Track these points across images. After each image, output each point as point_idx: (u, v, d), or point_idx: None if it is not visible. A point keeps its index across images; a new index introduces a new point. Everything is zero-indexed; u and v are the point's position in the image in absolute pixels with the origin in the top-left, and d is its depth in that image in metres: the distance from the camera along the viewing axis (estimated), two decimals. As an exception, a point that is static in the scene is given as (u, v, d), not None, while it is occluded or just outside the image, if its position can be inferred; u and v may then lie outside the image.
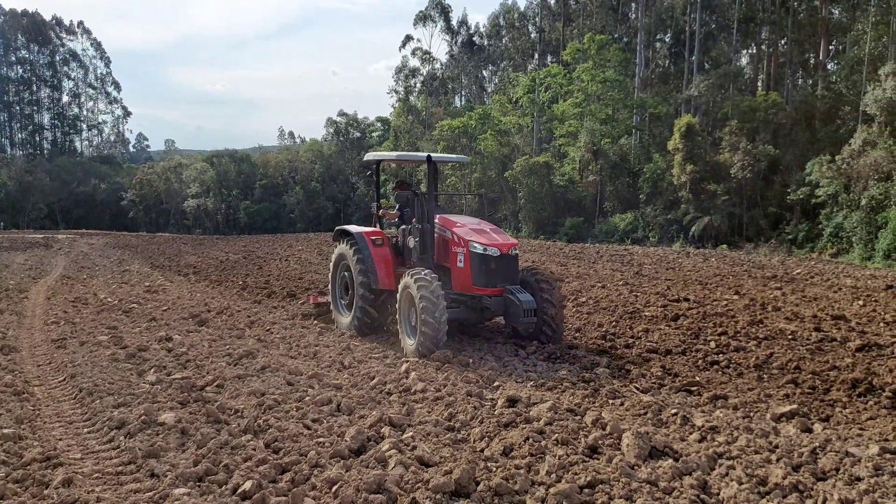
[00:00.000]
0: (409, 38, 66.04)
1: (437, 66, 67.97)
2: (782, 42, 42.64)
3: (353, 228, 11.22)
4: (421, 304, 8.76)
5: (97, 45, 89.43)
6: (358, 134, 70.73)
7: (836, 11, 41.76)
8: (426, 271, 9.21)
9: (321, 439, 5.69)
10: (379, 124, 72.61)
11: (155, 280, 19.51)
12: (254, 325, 11.77)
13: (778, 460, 5.19)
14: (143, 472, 5.08)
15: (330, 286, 11.79)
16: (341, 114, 70.99)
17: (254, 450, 5.48)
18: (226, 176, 68.71)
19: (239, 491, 4.65)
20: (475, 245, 9.49)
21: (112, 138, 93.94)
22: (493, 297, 9.56)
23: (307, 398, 6.93)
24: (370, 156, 11.84)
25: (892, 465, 5.19)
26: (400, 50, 64.49)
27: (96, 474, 5.12)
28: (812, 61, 44.41)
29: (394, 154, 11.85)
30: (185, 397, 6.97)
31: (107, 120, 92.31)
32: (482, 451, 5.42)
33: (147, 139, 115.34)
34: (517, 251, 9.92)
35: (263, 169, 70.87)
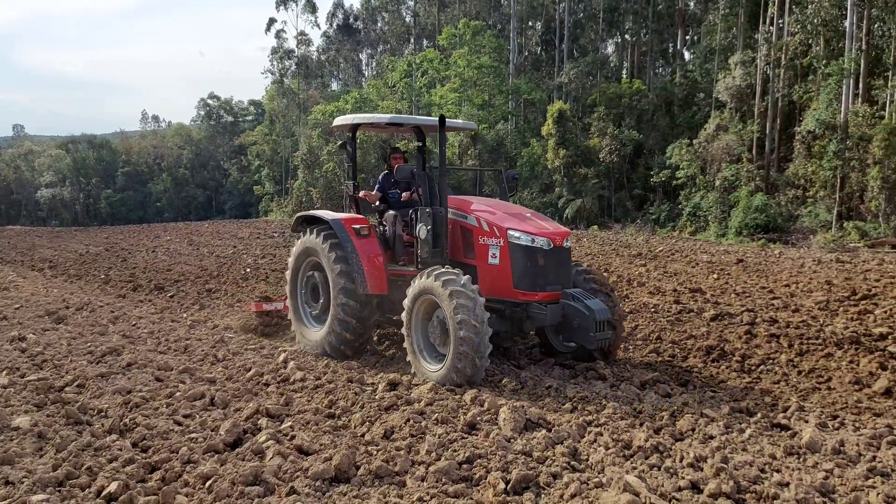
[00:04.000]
0: (272, 20, 63.99)
1: (311, 48, 66.41)
2: (644, 32, 44.96)
3: (325, 214, 8.63)
4: (457, 315, 6.50)
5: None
6: (230, 118, 68.03)
7: (692, 3, 44.52)
8: (456, 271, 6.91)
9: (194, 435, 5.47)
10: (252, 108, 70.17)
11: (5, 276, 17.94)
12: (118, 321, 11.10)
13: (641, 425, 5.53)
14: (-6, 483, 4.67)
15: (289, 291, 9.01)
16: (212, 96, 67.98)
17: (120, 450, 5.18)
18: (84, 163, 64.21)
19: (104, 493, 4.39)
20: (518, 235, 7.16)
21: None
22: (548, 304, 7.19)
23: (178, 394, 6.62)
24: (344, 120, 8.93)
25: (741, 423, 5.67)
26: (266, 32, 62.34)
27: (-63, 489, 4.66)
28: (671, 50, 47.19)
29: (385, 116, 8.63)
30: (41, 399, 6.47)
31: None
32: (363, 435, 5.40)
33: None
34: (570, 243, 7.75)
35: (126, 155, 66.80)
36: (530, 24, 51.18)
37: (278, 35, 62.97)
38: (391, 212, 8.58)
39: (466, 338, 6.48)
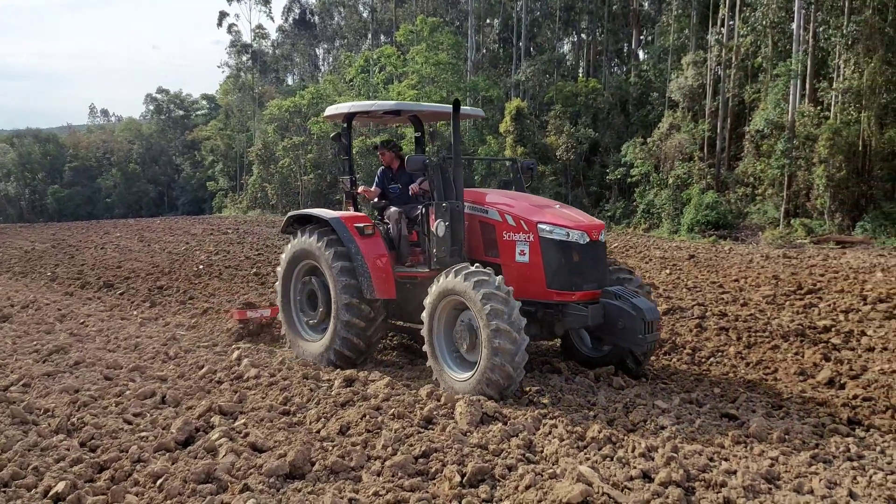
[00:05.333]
0: (223, 14, 62.95)
1: (266, 43, 65.53)
2: (599, 31, 45.54)
3: (321, 212, 7.94)
4: (491, 322, 5.83)
5: None
6: (181, 112, 66.66)
7: (646, 4, 45.27)
8: (488, 270, 6.23)
9: (144, 433, 5.35)
10: (205, 102, 68.86)
11: (-55, 274, 17.29)
12: (65, 319, 10.79)
13: (595, 417, 5.61)
14: (-68, 486, 4.50)
15: (281, 298, 8.26)
16: (161, 90, 66.49)
17: (67, 450, 5.04)
18: (29, 158, 62.28)
19: (51, 493, 4.27)
20: (550, 229, 6.54)
21: None
22: (589, 304, 6.55)
23: (128, 392, 6.47)
24: (338, 109, 8.21)
25: (691, 414, 5.80)
26: (218, 27, 61.41)
27: None
28: (626, 50, 47.89)
29: (389, 103, 7.99)
30: (-17, 400, 6.25)
31: None
32: (318, 431, 5.36)
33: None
34: (605, 236, 7.14)
35: (74, 150, 65.00)
36: (488, 21, 51.38)
37: (230, 29, 62.00)
38: (394, 208, 7.93)
39: (502, 348, 5.79)
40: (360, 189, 8.42)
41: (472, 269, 6.22)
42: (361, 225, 7.51)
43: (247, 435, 5.17)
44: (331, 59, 70.11)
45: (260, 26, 62.64)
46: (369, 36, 62.17)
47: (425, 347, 6.64)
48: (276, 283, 8.43)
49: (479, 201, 7.15)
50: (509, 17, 48.16)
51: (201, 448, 4.93)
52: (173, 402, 6.19)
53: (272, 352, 8.29)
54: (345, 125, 8.42)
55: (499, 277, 6.11)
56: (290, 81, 70.29)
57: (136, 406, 6.06)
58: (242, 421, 5.54)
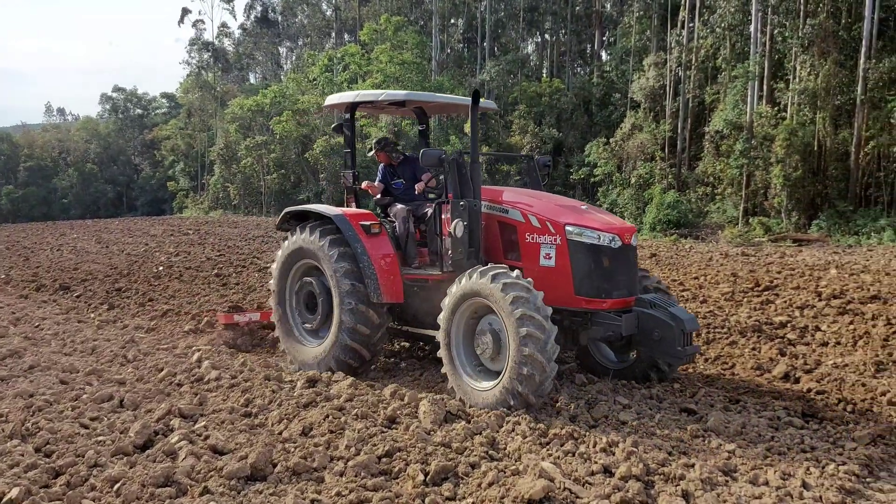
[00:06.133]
0: (186, 10, 62.06)
1: (227, 42, 64.71)
2: (563, 32, 45.96)
3: (323, 208, 7.41)
4: (522, 328, 5.38)
5: None
6: (139, 111, 65.50)
7: (608, 5, 45.81)
8: (515, 271, 5.80)
9: (101, 438, 5.24)
10: (164, 101, 67.75)
11: None
12: (20, 322, 10.51)
13: (558, 413, 5.65)
14: None
15: (275, 302, 7.76)
16: (117, 88, 65.23)
17: (21, 455, 4.90)
18: (-18, 157, 60.55)
19: (5, 499, 4.15)
20: (580, 231, 6.09)
21: None
22: (622, 312, 6.15)
23: (84, 396, 6.33)
24: (341, 98, 7.77)
25: (651, 409, 5.89)
26: (179, 24, 60.56)
27: None
28: (589, 51, 48.42)
29: (401, 93, 7.49)
30: (-68, 406, 6.06)
31: None
32: (280, 433, 5.30)
33: None
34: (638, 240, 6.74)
35: (28, 149, 63.34)
36: (452, 21, 51.49)
37: (195, 25, 61.15)
38: (400, 206, 7.49)
39: (532, 356, 5.32)
40: (364, 185, 7.96)
41: (499, 269, 5.76)
42: (368, 223, 7.03)
43: (207, 437, 5.10)
44: (294, 58, 69.54)
45: (224, 25, 61.84)
46: (333, 35, 61.82)
47: (441, 355, 6.14)
48: (271, 283, 7.88)
49: (498, 200, 6.66)
50: (473, 17, 48.33)
51: (160, 451, 4.85)
52: (131, 405, 6.07)
53: (234, 353, 8.19)
54: (347, 116, 7.91)
55: (528, 280, 5.72)
56: (252, 80, 69.51)
57: (93, 410, 5.93)
58: (203, 423, 5.46)
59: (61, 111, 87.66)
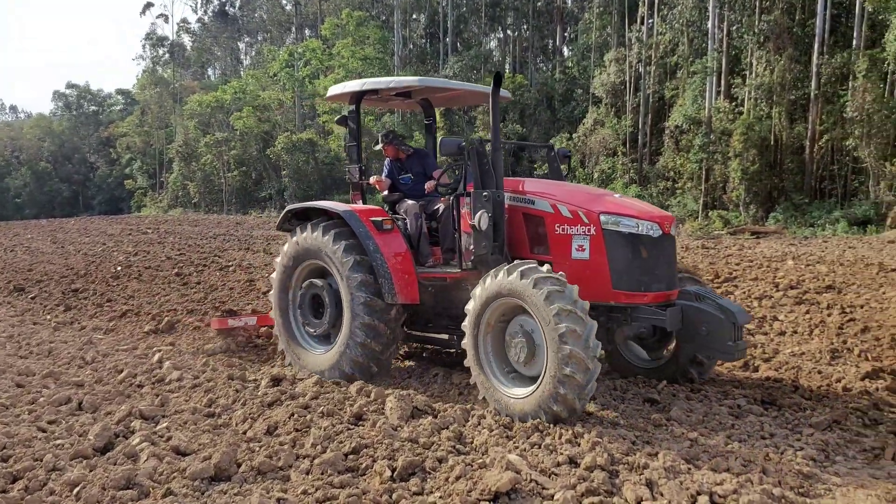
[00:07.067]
0: (149, 3, 60.81)
1: (185, 37, 63.60)
2: (525, 28, 46.18)
3: (330, 205, 6.99)
4: (560, 326, 4.91)
5: None
6: (94, 107, 64.03)
7: (569, 1, 46.18)
8: (547, 267, 5.30)
9: (60, 441, 5.12)
10: (119, 97, 66.32)
11: None
12: (-28, 325, 10.20)
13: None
14: None
15: (277, 305, 7.31)
16: (70, 85, 63.69)
17: (-25, 462, 4.77)
18: (-70, 155, 58.68)
19: (-42, 508, 4.04)
20: (616, 220, 5.67)
21: None
22: (665, 306, 5.77)
23: (41, 399, 6.17)
24: (346, 87, 7.35)
25: (615, 400, 5.96)
26: (141, 16, 59.37)
27: None
28: (551, 46, 48.75)
29: (413, 79, 7.03)
30: None
31: None
32: (245, 433, 5.24)
33: None
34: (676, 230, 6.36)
35: (-21, 147, 61.49)
36: (414, 16, 51.34)
37: (159, 18, 60.00)
38: (411, 202, 7.10)
39: (573, 354, 4.86)
40: (372, 180, 7.53)
41: (528, 265, 5.29)
42: (379, 219, 6.62)
43: (169, 439, 5.01)
44: (253, 53, 68.65)
45: (185, 20, 60.78)
46: (293, 29, 61.15)
47: (468, 363, 5.66)
48: (272, 292, 7.40)
49: (522, 190, 6.23)
50: (435, 12, 48.26)
51: (121, 454, 4.75)
52: (90, 407, 5.94)
53: (196, 353, 8.06)
54: (352, 107, 7.44)
55: (561, 274, 5.25)
56: (211, 75, 68.42)
57: (50, 413, 5.78)
58: (165, 425, 5.37)
59: (13, 109, 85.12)
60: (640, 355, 6.80)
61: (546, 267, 5.28)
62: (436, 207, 7.06)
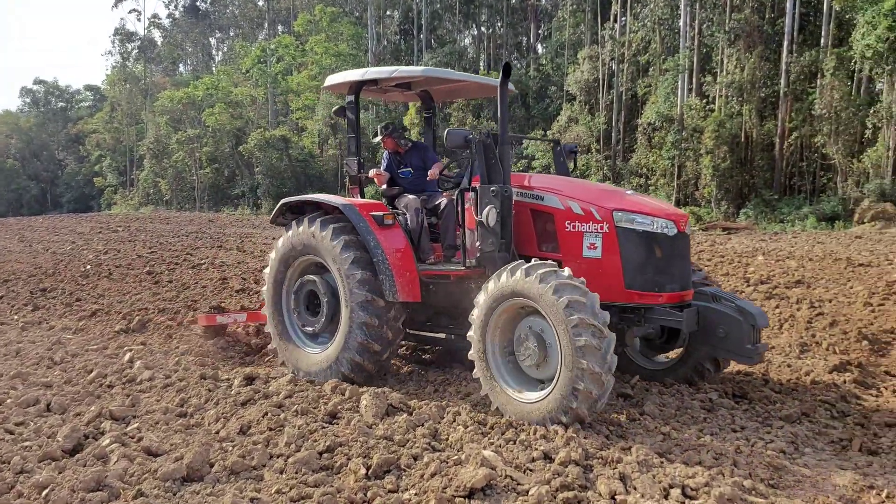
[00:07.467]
0: (120, -2, 59.86)
1: (156, 32, 62.71)
2: (499, 25, 46.25)
3: (327, 198, 6.72)
4: (580, 337, 4.71)
5: None
6: (62, 104, 62.92)
7: (543, -1, 46.38)
8: (567, 271, 5.06)
9: (28, 443, 5.02)
10: (88, 93, 65.24)
11: None
12: (-64, 326, 9.96)
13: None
14: None
15: (270, 303, 7.01)
16: (38, 81, 62.52)
17: (-60, 466, 4.66)
18: None
19: (-78, 513, 3.94)
20: (631, 217, 5.50)
21: None
22: (683, 308, 5.63)
23: (9, 401, 6.04)
24: (346, 77, 7.06)
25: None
26: (113, 9, 58.44)
27: None
28: (525, 44, 48.90)
29: (419, 69, 6.92)
30: None
31: None
32: (217, 432, 5.19)
33: None
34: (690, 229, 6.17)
35: (-56, 144, 60.16)
36: (388, 12, 51.17)
37: (133, 12, 59.15)
38: (411, 196, 6.88)
39: (590, 370, 4.68)
40: (371, 173, 7.26)
41: (547, 266, 5.06)
42: (380, 214, 6.36)
43: (140, 439, 4.94)
44: (225, 49, 67.91)
45: (156, 15, 59.87)
46: (266, 25, 60.59)
47: (475, 363, 5.48)
48: (264, 288, 7.11)
49: (529, 186, 6.04)
50: (409, 8, 48.13)
51: (91, 455, 4.67)
52: (59, 409, 5.83)
53: (167, 352, 7.96)
54: (351, 97, 7.13)
55: (580, 279, 5.02)
56: (182, 71, 67.55)
57: (18, 415, 5.67)
58: (136, 425, 5.29)
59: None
60: (648, 357, 6.66)
61: (567, 271, 5.05)
62: (437, 202, 6.87)
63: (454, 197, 6.42)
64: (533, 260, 5.22)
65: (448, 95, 8.29)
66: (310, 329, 6.79)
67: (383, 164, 7.39)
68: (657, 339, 6.34)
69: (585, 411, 4.79)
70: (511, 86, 6.95)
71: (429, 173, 7.03)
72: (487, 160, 5.87)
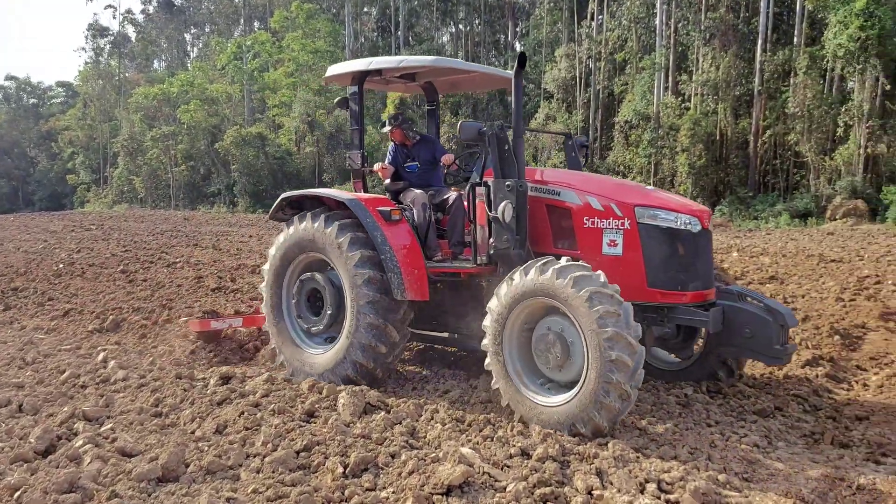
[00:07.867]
0: (94, -8, 58.98)
1: (130, 28, 61.90)
2: (477, 23, 46.29)
3: (331, 192, 6.52)
4: (605, 329, 4.52)
5: None
6: (34, 100, 61.89)
7: (520, -3, 46.50)
8: (602, 276, 4.79)
9: (-1, 445, 4.94)
10: (61, 90, 64.24)
11: None
12: None
13: (477, 400, 5.72)
14: None
15: (269, 302, 6.75)
16: (9, 77, 61.44)
17: None
18: None
19: None
20: (654, 213, 5.32)
21: None
22: (708, 307, 5.47)
23: (-22, 403, 5.94)
24: (350, 67, 6.81)
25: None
26: (87, 3, 57.57)
27: None
28: (503, 41, 48.99)
29: (428, 59, 6.65)
30: None
31: None
32: (193, 432, 5.14)
33: None
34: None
35: (-89, 141, 58.93)
36: (366, 9, 50.98)
37: (108, 7, 58.30)
38: (418, 191, 6.62)
39: (620, 361, 4.48)
40: (376, 167, 7.05)
41: (579, 268, 4.81)
42: (387, 209, 6.10)
43: (115, 440, 4.88)
44: (201, 45, 67.19)
45: (129, 11, 59.04)
46: (242, 21, 60.06)
47: (490, 366, 5.23)
48: (263, 286, 6.83)
49: (544, 181, 5.81)
50: (387, 5, 48.00)
51: (63, 456, 4.61)
52: (31, 409, 5.74)
53: (141, 352, 7.86)
54: (354, 88, 6.89)
55: (614, 286, 4.75)
56: (157, 67, 66.74)
57: (-12, 417, 5.58)
58: (110, 426, 5.22)
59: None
60: (664, 357, 6.52)
61: (602, 276, 4.82)
62: (445, 197, 6.66)
63: (462, 192, 6.21)
64: (563, 259, 4.95)
65: (451, 88, 8.08)
66: (312, 328, 6.56)
67: (388, 157, 7.13)
68: (672, 339, 6.16)
69: (606, 425, 4.63)
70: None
71: (442, 159, 6.79)
72: (501, 153, 5.64)
